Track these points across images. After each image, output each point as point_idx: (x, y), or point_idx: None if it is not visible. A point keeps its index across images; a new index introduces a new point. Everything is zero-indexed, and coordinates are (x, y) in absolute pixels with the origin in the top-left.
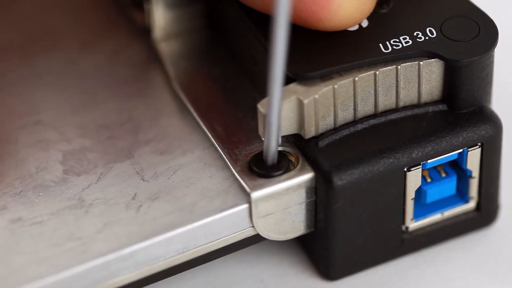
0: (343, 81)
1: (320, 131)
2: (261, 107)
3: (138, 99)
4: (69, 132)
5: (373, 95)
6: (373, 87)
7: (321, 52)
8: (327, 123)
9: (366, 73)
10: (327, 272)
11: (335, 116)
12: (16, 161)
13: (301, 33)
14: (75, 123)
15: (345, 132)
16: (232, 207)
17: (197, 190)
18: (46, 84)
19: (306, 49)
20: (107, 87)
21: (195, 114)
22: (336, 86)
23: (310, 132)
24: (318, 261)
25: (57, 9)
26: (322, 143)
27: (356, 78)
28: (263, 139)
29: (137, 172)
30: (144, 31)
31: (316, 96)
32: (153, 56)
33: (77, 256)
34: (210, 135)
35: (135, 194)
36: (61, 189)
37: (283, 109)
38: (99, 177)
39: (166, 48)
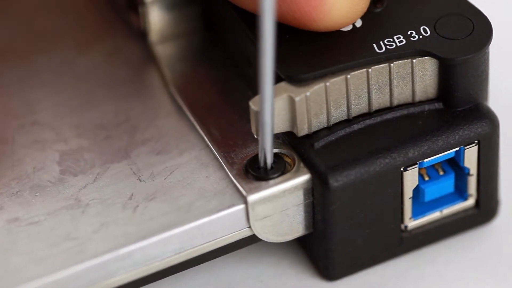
0: (335, 79)
1: (313, 129)
2: (253, 104)
3: (135, 99)
4: (66, 132)
5: (366, 93)
6: (366, 84)
7: (314, 53)
8: (320, 120)
9: (359, 71)
10: (327, 272)
11: (328, 113)
12: (12, 161)
13: (294, 34)
14: (72, 123)
15: (341, 132)
16: (229, 207)
17: (194, 190)
18: (43, 84)
19: (299, 50)
20: (104, 88)
21: (191, 118)
22: (328, 84)
23: (303, 129)
24: (318, 261)
25: (54, 10)
26: (318, 144)
27: (349, 76)
28: (255, 136)
29: (134, 172)
30: (141, 34)
31: (308, 94)
32: (150, 56)
33: (74, 256)
34: (206, 139)
35: (132, 194)
36: (58, 189)
37: (274, 107)
38: (96, 177)
39: (162, 51)
